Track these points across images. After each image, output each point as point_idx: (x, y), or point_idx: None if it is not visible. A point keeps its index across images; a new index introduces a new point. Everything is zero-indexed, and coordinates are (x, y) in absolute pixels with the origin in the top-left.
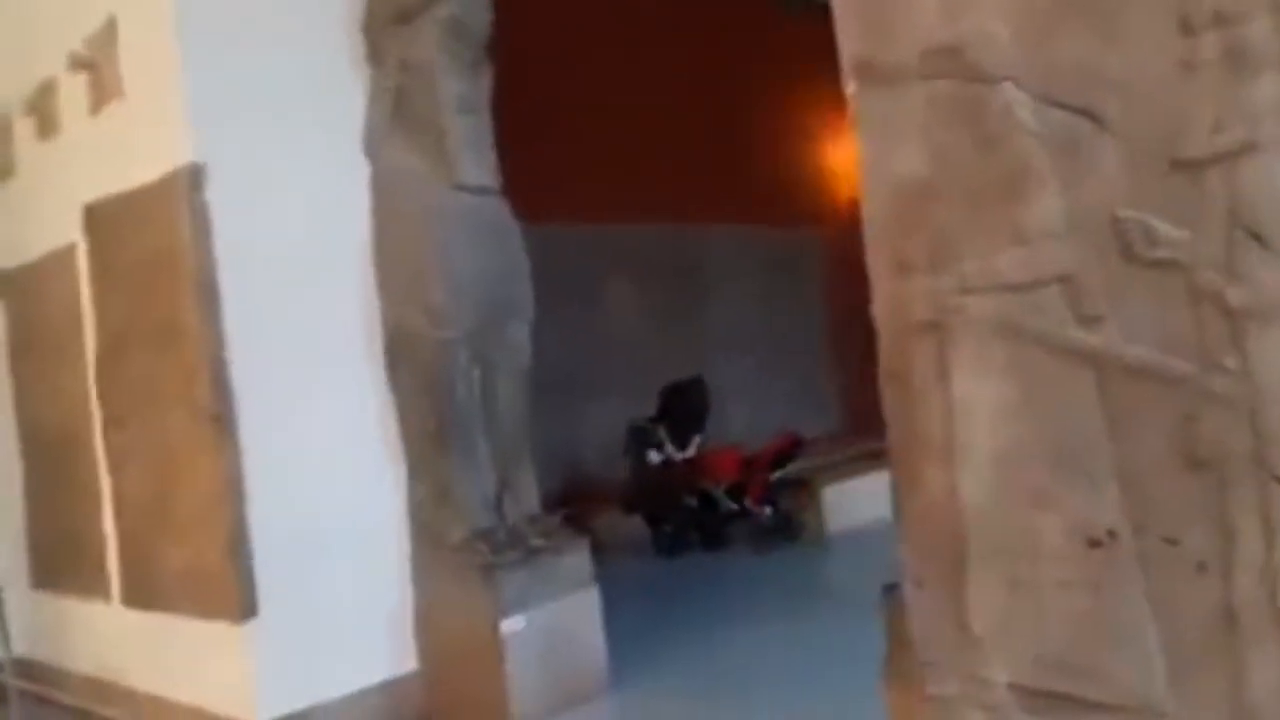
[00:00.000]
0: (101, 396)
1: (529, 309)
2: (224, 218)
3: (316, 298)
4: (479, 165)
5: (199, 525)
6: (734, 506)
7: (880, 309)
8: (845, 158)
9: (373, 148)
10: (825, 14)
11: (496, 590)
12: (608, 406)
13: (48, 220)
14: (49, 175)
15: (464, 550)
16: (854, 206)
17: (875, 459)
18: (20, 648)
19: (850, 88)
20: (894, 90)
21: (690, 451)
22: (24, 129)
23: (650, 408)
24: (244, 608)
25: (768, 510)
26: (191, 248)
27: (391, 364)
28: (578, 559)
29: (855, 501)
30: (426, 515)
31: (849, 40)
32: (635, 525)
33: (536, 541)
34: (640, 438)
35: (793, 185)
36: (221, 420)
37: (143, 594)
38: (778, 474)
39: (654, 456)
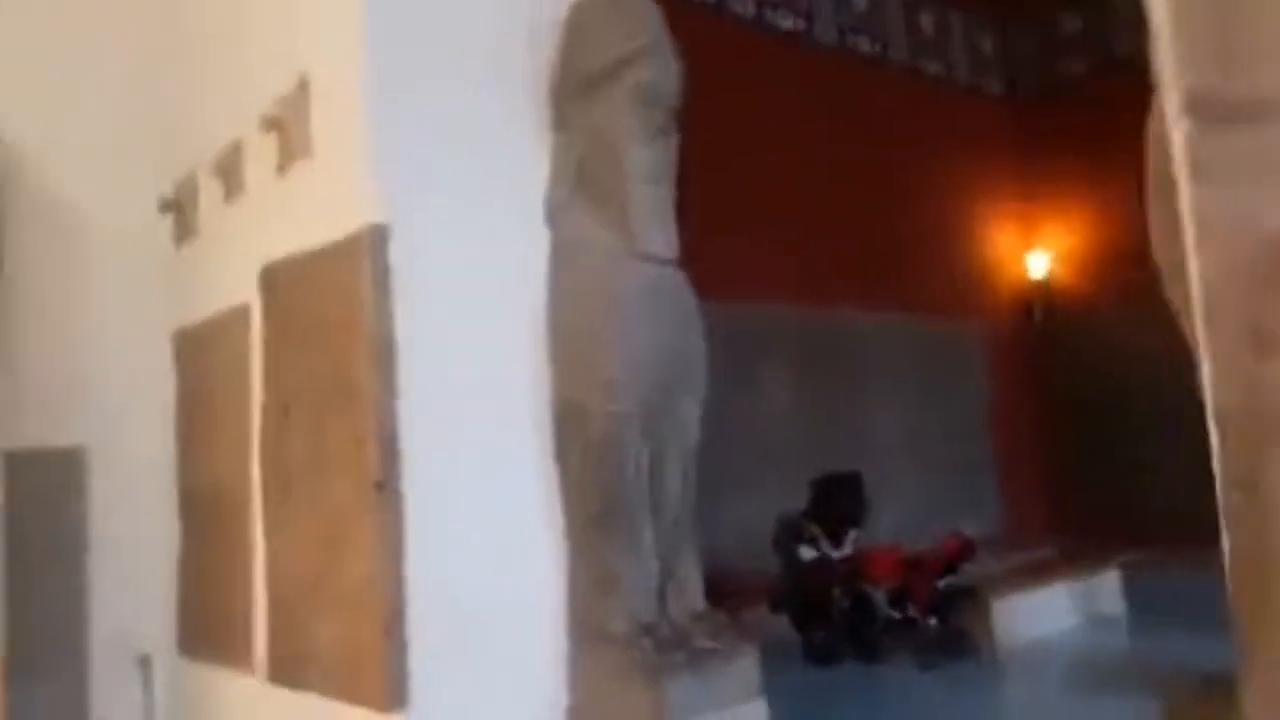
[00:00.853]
0: (264, 459)
1: (702, 386)
2: (404, 280)
3: (490, 368)
4: (662, 236)
5: (355, 601)
6: (895, 614)
7: (1223, 397)
8: (1002, 246)
9: (554, 216)
10: (993, 100)
11: (660, 695)
12: (754, 496)
13: (226, 280)
14: (231, 236)
15: (625, 645)
16: (1014, 297)
17: (1042, 570)
18: (163, 716)
19: (1182, 127)
20: (1256, 128)
21: (846, 549)
22: (210, 191)
23: (799, 500)
24: (395, 695)
25: (933, 620)
26: (371, 308)
27: (559, 440)
28: (747, 666)
29: (1026, 615)
30: (586, 605)
31: (1185, 69)
32: (782, 626)
33: (703, 642)
34: (792, 532)
35: (951, 274)
36: (386, 488)
37: (288, 671)
38: (946, 580)
39: (806, 553)
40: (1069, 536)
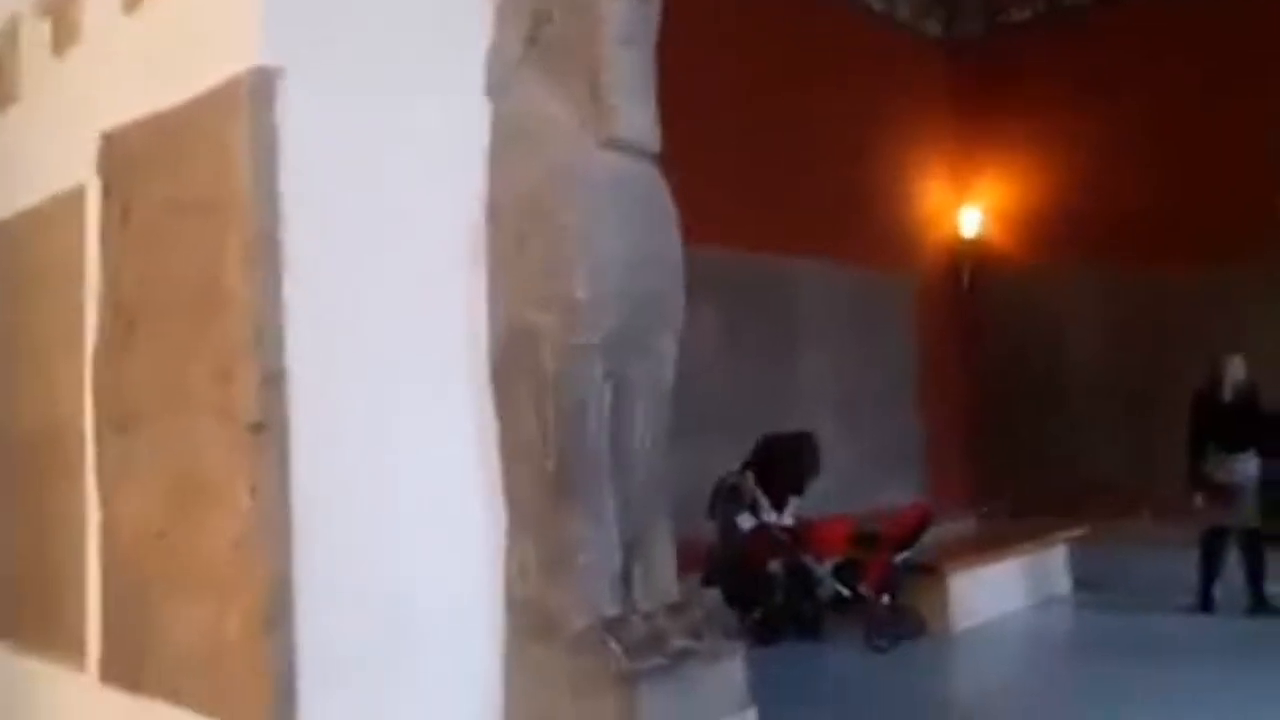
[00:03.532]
0: (99, 392)
1: (679, 315)
2: (295, 148)
3: (409, 276)
4: (641, 117)
5: (220, 580)
6: (844, 591)
7: None
8: (934, 200)
9: (498, 83)
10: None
11: (631, 709)
12: (679, 451)
13: (53, 157)
14: (61, 98)
15: (583, 645)
16: (943, 255)
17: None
18: None
19: None
20: None
21: (786, 518)
22: (35, 40)
23: (727, 458)
24: (277, 710)
25: (885, 599)
26: (249, 185)
27: (500, 377)
28: (733, 670)
29: (978, 593)
30: (531, 590)
31: None
32: (715, 600)
33: (682, 642)
34: (731, 497)
35: (881, 225)
36: (267, 432)
37: (126, 669)
38: (902, 556)
39: (745, 521)
40: (994, 509)
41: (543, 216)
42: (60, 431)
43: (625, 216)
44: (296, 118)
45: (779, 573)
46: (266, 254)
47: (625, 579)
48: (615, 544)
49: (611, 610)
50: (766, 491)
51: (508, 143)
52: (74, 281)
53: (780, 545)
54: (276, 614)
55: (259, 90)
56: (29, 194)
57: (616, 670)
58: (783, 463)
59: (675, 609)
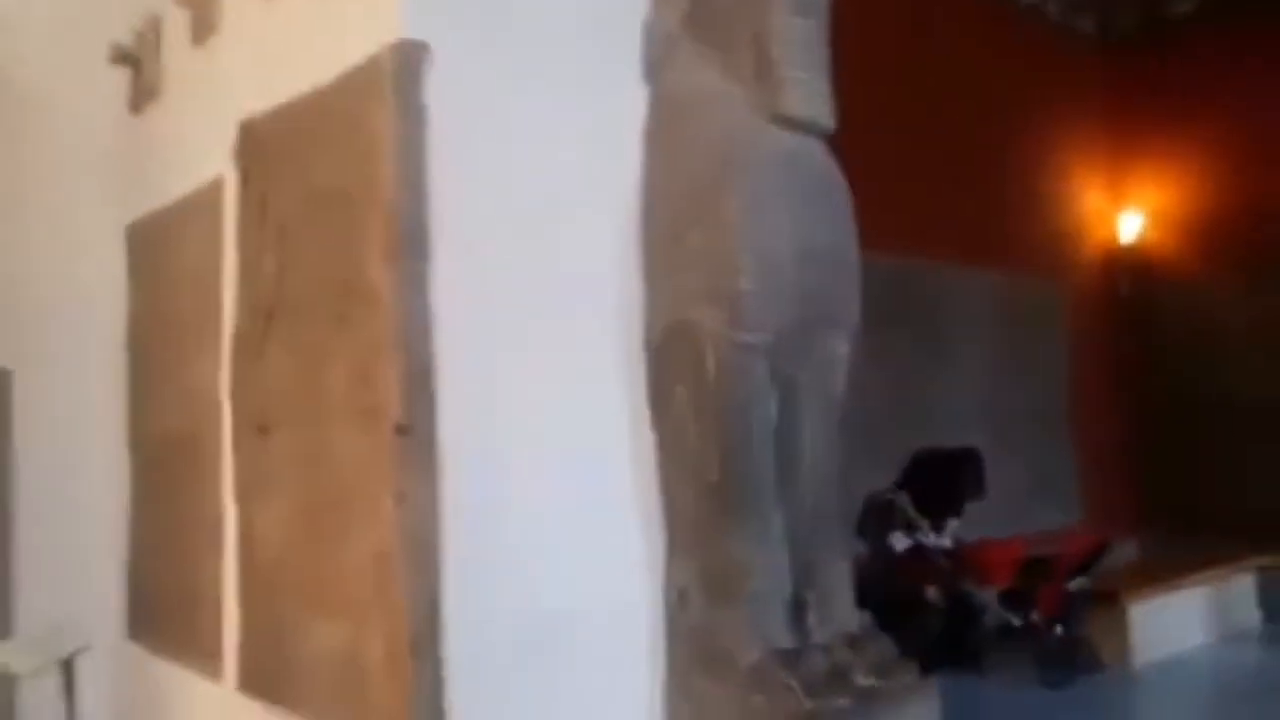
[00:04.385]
0: (236, 390)
1: (854, 314)
2: (444, 132)
3: (561, 271)
4: (815, 90)
5: (364, 597)
6: (1014, 620)
7: None
8: (1089, 204)
9: (655, 62)
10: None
11: None
12: None
13: (194, 149)
14: (201, 89)
15: (760, 682)
16: (1100, 264)
17: (1168, 574)
18: (106, 712)
19: None
20: None
21: (946, 540)
22: (176, 32)
23: (873, 476)
24: None
25: (1057, 629)
26: (395, 173)
27: (657, 378)
28: (926, 713)
29: (1165, 625)
30: (693, 616)
31: None
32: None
33: (868, 680)
34: (884, 516)
35: (1034, 231)
36: (413, 434)
37: (265, 681)
38: (1077, 583)
39: (899, 542)
40: (1157, 535)
41: (705, 202)
42: (197, 434)
43: (796, 201)
44: (443, 98)
45: (937, 599)
46: (412, 245)
47: (797, 606)
48: (784, 567)
49: (785, 642)
50: (922, 511)
51: (666, 125)
52: (211, 277)
53: (939, 569)
54: (424, 634)
55: (405, 67)
56: (170, 189)
57: (797, 711)
58: (942, 481)
59: (855, 641)
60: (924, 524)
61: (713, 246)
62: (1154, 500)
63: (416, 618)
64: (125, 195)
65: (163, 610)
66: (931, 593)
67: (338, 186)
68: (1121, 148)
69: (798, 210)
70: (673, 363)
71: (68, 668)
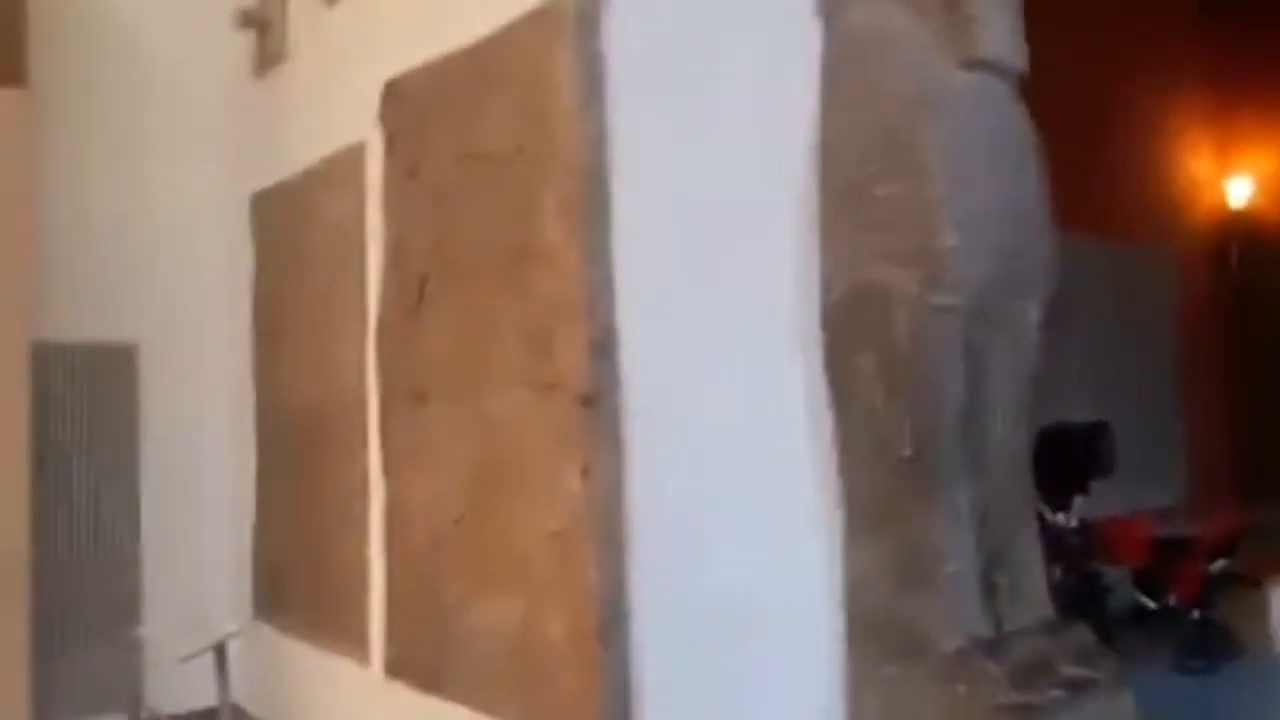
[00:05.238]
0: (385, 362)
1: (1049, 277)
2: (619, 84)
3: (738, 229)
4: (1006, 28)
5: (536, 574)
6: (1149, 603)
7: None
8: (1194, 169)
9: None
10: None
11: None
12: None
13: (328, 114)
14: (335, 52)
15: (959, 672)
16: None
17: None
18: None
19: None
20: None
21: (1072, 519)
22: None
23: None
24: None
25: (1195, 613)
26: (572, 124)
27: (837, 346)
28: (1128, 705)
29: None
30: (879, 600)
31: None
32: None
33: (1073, 669)
34: None
35: (1138, 195)
36: (598, 405)
37: (419, 668)
38: (1218, 565)
39: None
40: (1265, 512)
41: (894, 152)
42: (338, 409)
43: (993, 150)
44: (621, 43)
45: (1064, 580)
46: (594, 203)
47: (988, 590)
48: (973, 548)
49: (982, 628)
50: (1046, 488)
51: (845, 68)
52: (353, 246)
53: (1067, 549)
54: (611, 618)
55: (585, 11)
56: (300, 156)
57: (1005, 703)
58: (1071, 457)
59: (1053, 629)
60: (1044, 503)
61: (907, 200)
62: (1260, 474)
63: (604, 601)
64: (249, 164)
65: (295, 590)
66: (1055, 574)
67: (507, 144)
68: (1229, 111)
69: (993, 161)
70: (855, 329)
71: (220, 651)
